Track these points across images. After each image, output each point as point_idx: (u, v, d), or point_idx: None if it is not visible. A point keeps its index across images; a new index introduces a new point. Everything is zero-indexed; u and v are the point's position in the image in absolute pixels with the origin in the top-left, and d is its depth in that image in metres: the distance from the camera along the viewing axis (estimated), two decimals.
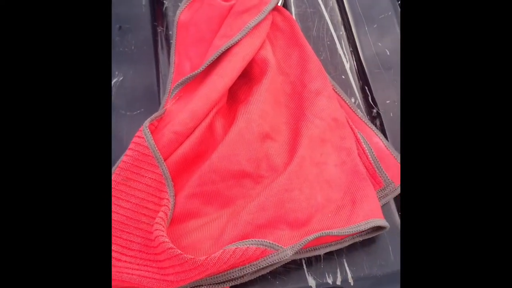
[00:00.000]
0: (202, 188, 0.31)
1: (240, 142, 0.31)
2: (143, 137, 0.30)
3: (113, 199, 0.29)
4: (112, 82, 0.37)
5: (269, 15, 0.36)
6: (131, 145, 0.31)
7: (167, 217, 0.29)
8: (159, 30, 0.40)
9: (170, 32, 0.39)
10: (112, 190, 0.29)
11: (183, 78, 0.33)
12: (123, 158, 0.31)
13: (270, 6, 0.35)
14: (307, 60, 0.35)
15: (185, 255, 0.27)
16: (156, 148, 0.30)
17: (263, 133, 0.32)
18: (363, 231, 0.31)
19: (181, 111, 0.31)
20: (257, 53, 0.34)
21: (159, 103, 0.37)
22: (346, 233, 0.30)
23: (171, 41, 0.38)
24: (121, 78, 0.37)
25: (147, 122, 0.31)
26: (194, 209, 0.31)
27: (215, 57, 0.33)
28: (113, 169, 0.31)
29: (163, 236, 0.27)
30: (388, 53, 0.39)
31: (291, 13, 0.40)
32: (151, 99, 0.36)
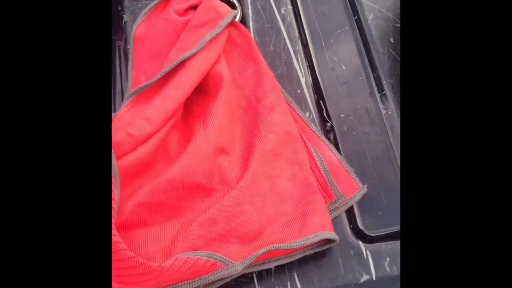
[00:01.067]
0: (152, 197, 0.31)
1: (195, 156, 0.32)
2: None
3: None
4: None
5: (225, 29, 0.36)
6: None
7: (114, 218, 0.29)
8: (118, 44, 0.40)
9: (128, 47, 0.39)
10: None
11: (136, 88, 0.33)
12: None
13: (226, 21, 0.36)
14: (262, 74, 0.36)
15: (140, 259, 0.27)
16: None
17: (219, 147, 0.33)
18: (313, 244, 0.32)
19: (136, 117, 0.31)
20: (213, 67, 0.35)
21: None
22: (296, 247, 0.30)
23: (129, 55, 0.39)
24: None
25: None
26: (143, 217, 0.31)
27: (170, 68, 0.33)
28: None
29: (116, 235, 0.27)
30: (344, 68, 0.40)
31: (248, 28, 0.41)
32: None
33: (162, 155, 0.33)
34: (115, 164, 0.29)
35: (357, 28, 0.41)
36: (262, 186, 0.32)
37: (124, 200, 0.30)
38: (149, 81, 0.33)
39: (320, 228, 0.31)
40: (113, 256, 0.27)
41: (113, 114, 0.33)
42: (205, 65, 0.34)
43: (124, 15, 0.41)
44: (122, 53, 0.39)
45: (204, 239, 0.30)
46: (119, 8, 0.42)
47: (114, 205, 0.29)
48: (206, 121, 0.33)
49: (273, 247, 0.29)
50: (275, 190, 0.32)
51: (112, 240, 0.27)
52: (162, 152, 0.33)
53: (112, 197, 0.29)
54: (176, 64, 0.33)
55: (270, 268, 0.32)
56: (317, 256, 0.33)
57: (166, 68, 0.33)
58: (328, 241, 0.32)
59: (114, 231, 0.27)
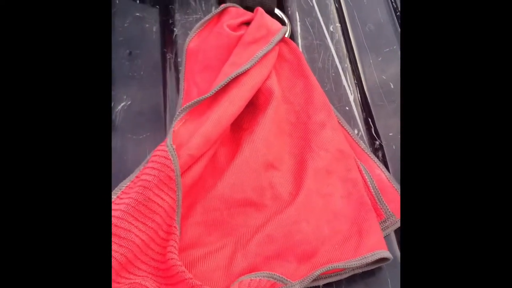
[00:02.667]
0: (205, 216, 0.31)
1: (245, 170, 0.32)
2: (169, 159, 0.30)
3: (130, 219, 0.29)
4: (120, 106, 0.38)
5: (276, 46, 0.37)
6: (155, 165, 0.30)
7: (178, 245, 0.29)
8: (168, 57, 0.41)
9: (179, 59, 0.40)
10: (131, 209, 0.29)
11: (192, 102, 0.33)
12: (145, 176, 0.30)
13: (277, 37, 0.36)
14: (312, 90, 0.36)
15: (198, 282, 0.27)
16: (180, 172, 0.30)
17: (267, 162, 0.33)
18: (370, 263, 0.31)
19: (193, 135, 0.31)
20: (264, 83, 0.35)
21: (165, 128, 0.37)
22: (354, 266, 0.30)
23: (180, 68, 0.39)
24: (129, 102, 0.38)
25: (170, 142, 0.31)
26: (198, 237, 0.31)
27: (226, 83, 0.34)
28: (124, 183, 0.31)
29: (176, 259, 0.27)
30: (392, 86, 0.40)
31: (297, 44, 0.41)
32: (158, 124, 0.37)
33: (211, 170, 0.33)
34: (181, 193, 0.30)
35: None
36: (317, 204, 0.32)
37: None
38: (205, 95, 0.33)
39: (376, 247, 0.30)
40: (171, 280, 0.28)
41: (170, 132, 0.33)
42: (258, 80, 0.34)
43: (175, 29, 0.42)
44: (172, 65, 0.40)
45: (262, 257, 0.30)
46: (170, 22, 0.43)
47: (177, 234, 0.29)
48: (254, 134, 0.33)
49: (331, 266, 0.29)
50: (329, 208, 0.32)
51: (177, 270, 0.27)
52: (210, 167, 0.33)
53: (174, 225, 0.29)
54: (231, 79, 0.33)
55: (318, 285, 0.32)
56: (366, 275, 0.32)
57: (222, 82, 0.33)
58: (379, 260, 0.31)
59: (177, 259, 0.27)
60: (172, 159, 0.30)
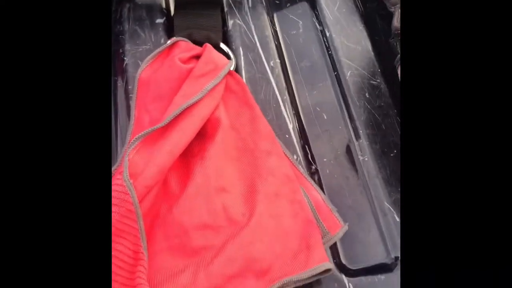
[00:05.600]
0: (167, 242, 0.33)
1: (198, 196, 0.34)
2: (128, 193, 0.32)
3: None
4: None
5: (223, 79, 0.40)
6: (115, 201, 0.32)
7: (146, 270, 0.30)
8: (119, 84, 0.43)
9: (130, 87, 0.42)
10: None
11: (145, 131, 0.35)
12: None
13: (224, 71, 0.40)
14: (257, 120, 0.40)
15: None
16: (138, 204, 0.32)
17: (219, 187, 0.36)
18: (319, 274, 0.35)
19: (148, 165, 0.33)
20: (212, 113, 0.38)
21: (116, 153, 0.39)
22: (305, 277, 0.34)
23: (131, 95, 0.41)
24: None
25: (127, 176, 0.33)
26: (162, 262, 0.33)
27: (177, 114, 0.36)
28: None
29: (145, 284, 0.29)
30: (325, 117, 0.45)
31: (242, 77, 0.45)
32: None
33: (163, 196, 0.35)
34: (142, 223, 0.32)
35: (336, 83, 0.47)
36: (269, 225, 0.35)
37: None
38: (158, 125, 0.35)
39: (322, 259, 0.34)
40: None
41: (126, 159, 0.34)
42: (207, 111, 0.37)
43: (125, 58, 0.44)
44: (123, 93, 0.42)
45: (223, 277, 0.32)
46: (121, 51, 0.45)
47: (145, 260, 0.31)
48: (204, 161, 0.36)
49: (286, 280, 0.32)
50: (280, 227, 0.35)
51: None
52: (162, 193, 0.35)
53: (142, 252, 0.31)
54: (182, 109, 0.36)
55: None
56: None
57: (174, 112, 0.36)
58: (321, 272, 0.35)
59: (146, 284, 0.29)
60: (130, 193, 0.32)
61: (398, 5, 0.48)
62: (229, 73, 0.42)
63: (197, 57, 0.41)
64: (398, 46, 0.42)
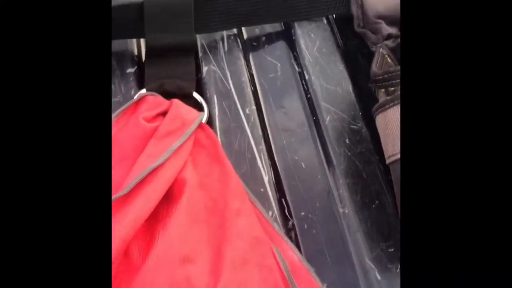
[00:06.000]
0: None
1: (159, 268, 0.33)
2: None
3: None
4: None
5: (192, 135, 0.38)
6: None
7: None
8: None
9: None
10: None
11: (113, 197, 0.34)
12: None
13: (192, 128, 0.38)
14: (228, 177, 0.38)
15: None
16: None
17: (183, 256, 0.34)
18: None
19: (113, 234, 0.32)
20: (179, 174, 0.36)
21: None
22: None
23: None
24: None
25: None
26: None
27: (140, 179, 0.34)
28: None
29: None
30: (304, 166, 0.43)
31: (215, 127, 0.43)
32: None
33: (124, 268, 0.33)
34: None
35: (315, 129, 0.45)
36: None
37: None
38: (120, 193, 0.34)
39: None
40: None
41: None
42: (173, 172, 0.36)
43: None
44: None
45: None
46: None
47: None
48: (167, 228, 0.34)
49: None
50: None
51: None
52: (124, 263, 0.33)
53: None
54: (146, 174, 0.34)
55: None
56: None
57: (137, 177, 0.34)
58: None
59: None
60: None
61: (380, 45, 0.46)
62: (200, 126, 0.40)
63: (164, 113, 0.39)
64: (377, 92, 0.40)
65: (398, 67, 0.39)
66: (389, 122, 0.36)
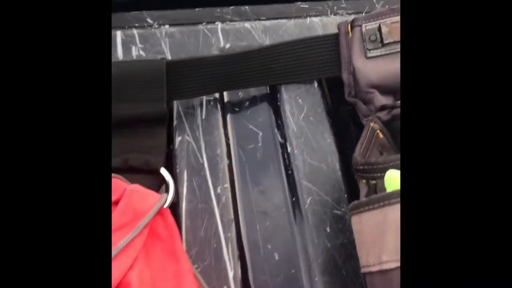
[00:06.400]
0: None
1: None
2: None
3: None
4: None
5: (145, 228, 0.35)
6: None
7: None
8: None
9: None
10: None
11: None
12: None
13: (144, 222, 0.34)
14: (183, 277, 0.34)
15: None
16: None
17: None
18: None
19: None
20: (124, 276, 0.33)
21: None
22: None
23: None
24: None
25: None
26: None
27: None
28: None
29: None
30: (277, 258, 0.38)
31: (181, 208, 0.39)
32: None
33: None
34: None
35: (293, 214, 0.40)
36: None
37: None
38: None
39: None
40: None
41: None
42: (119, 274, 0.32)
43: None
44: None
45: None
46: None
47: None
48: None
49: None
50: None
51: None
52: None
53: None
54: None
55: None
56: None
57: None
58: None
59: None
60: None
61: (371, 118, 0.41)
62: (160, 212, 0.37)
63: (117, 202, 0.36)
64: (359, 181, 0.35)
65: (383, 159, 0.34)
66: (364, 228, 0.31)
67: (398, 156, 0.33)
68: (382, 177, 0.33)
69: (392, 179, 0.31)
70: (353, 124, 0.45)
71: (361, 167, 0.34)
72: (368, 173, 0.34)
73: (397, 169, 0.32)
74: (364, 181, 0.35)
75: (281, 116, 0.45)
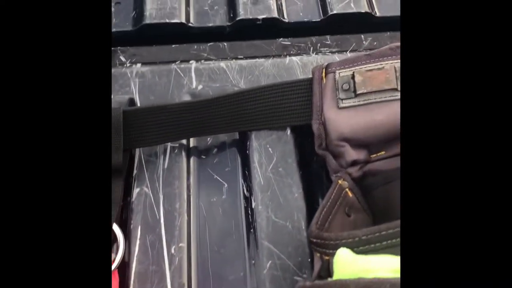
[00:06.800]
0: None
1: None
2: None
3: None
4: None
5: None
6: None
7: None
8: None
9: None
10: None
11: None
12: None
13: None
14: None
15: None
16: None
17: None
18: None
19: None
20: None
21: None
22: None
23: None
24: None
25: None
26: None
27: None
28: None
29: None
30: None
31: (131, 269, 0.37)
32: None
33: None
34: None
35: (250, 279, 0.37)
36: None
37: None
38: None
39: None
40: None
41: None
42: None
43: None
44: None
45: None
46: None
47: None
48: None
49: None
50: None
51: None
52: None
53: None
54: None
55: None
56: None
57: None
58: None
59: None
60: None
61: (339, 174, 0.38)
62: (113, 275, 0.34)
63: None
64: (314, 254, 0.32)
65: (335, 235, 0.30)
66: None
67: (353, 232, 0.29)
68: (334, 255, 0.29)
69: (341, 263, 0.28)
70: (326, 176, 0.42)
71: (314, 240, 0.31)
72: (321, 247, 0.31)
73: (350, 247, 0.29)
74: (318, 254, 0.31)
75: (249, 166, 0.42)
